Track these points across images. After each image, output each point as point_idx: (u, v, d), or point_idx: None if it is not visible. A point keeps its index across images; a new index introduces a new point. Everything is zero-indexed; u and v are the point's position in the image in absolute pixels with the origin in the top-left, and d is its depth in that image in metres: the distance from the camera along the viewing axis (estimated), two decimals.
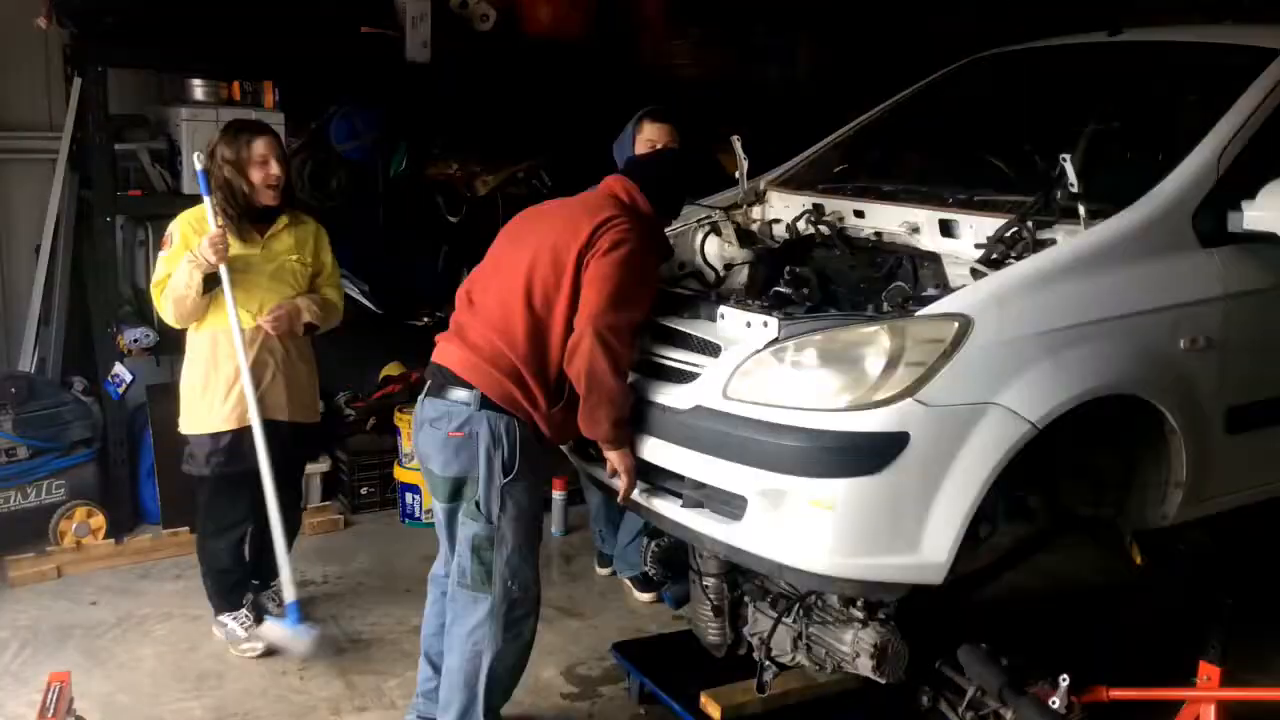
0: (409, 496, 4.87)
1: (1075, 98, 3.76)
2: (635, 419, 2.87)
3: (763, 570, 2.80)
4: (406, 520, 4.88)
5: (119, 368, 4.43)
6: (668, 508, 2.87)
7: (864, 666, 2.86)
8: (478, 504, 2.85)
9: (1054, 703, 2.68)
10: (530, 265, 2.86)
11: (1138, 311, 2.79)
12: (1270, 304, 3.03)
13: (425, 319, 5.16)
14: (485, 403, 2.82)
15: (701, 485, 2.76)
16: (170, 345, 4.53)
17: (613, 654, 3.53)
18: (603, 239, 2.80)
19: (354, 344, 5.19)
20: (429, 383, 2.95)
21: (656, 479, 2.93)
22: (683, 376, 2.82)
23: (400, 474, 4.91)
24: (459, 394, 2.85)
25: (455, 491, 2.91)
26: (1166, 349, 2.83)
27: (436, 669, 3.10)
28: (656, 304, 3.00)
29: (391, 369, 5.31)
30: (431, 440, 2.90)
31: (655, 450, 2.86)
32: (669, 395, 2.82)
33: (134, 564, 4.34)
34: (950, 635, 2.91)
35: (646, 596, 4.12)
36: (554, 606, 4.07)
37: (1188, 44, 3.64)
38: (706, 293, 3.00)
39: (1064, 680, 2.67)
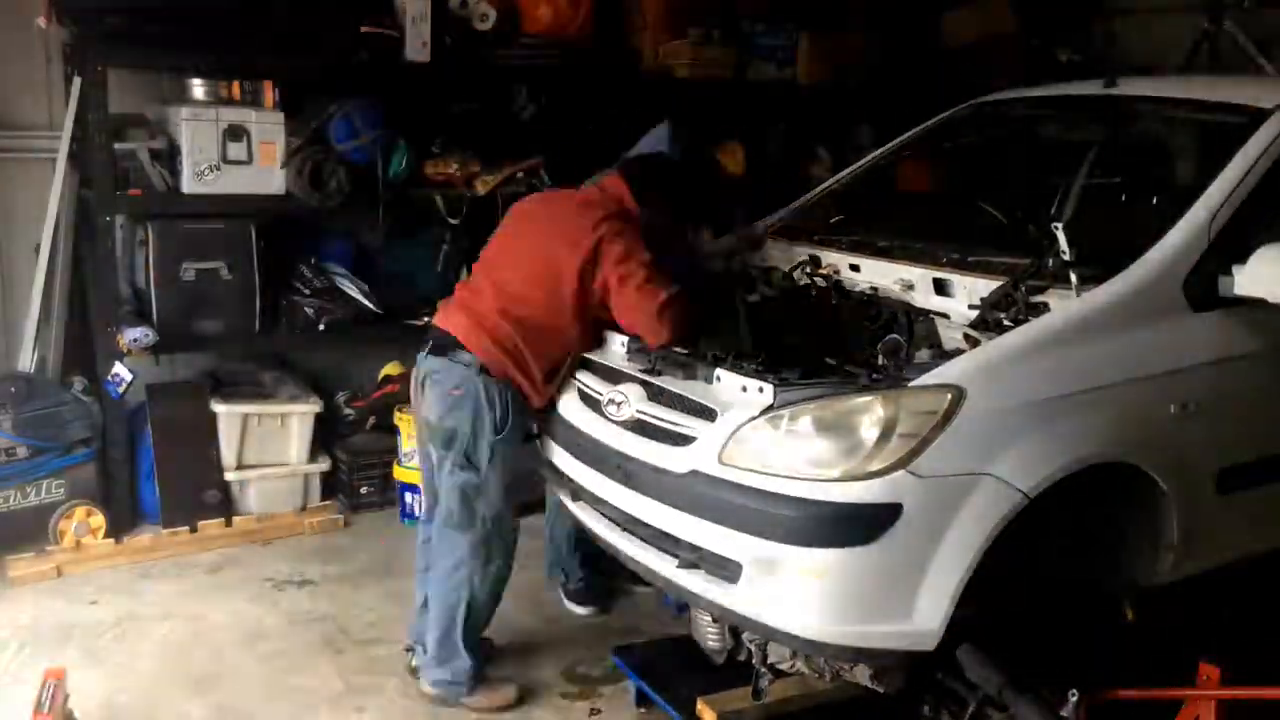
0: (409, 496, 4.87)
1: (1070, 150, 3.84)
2: (631, 478, 2.92)
3: (756, 633, 2.84)
4: (406, 520, 4.88)
5: (119, 367, 4.43)
6: (663, 566, 2.91)
7: (863, 675, 2.87)
8: (467, 455, 3.21)
9: (1065, 715, 2.68)
10: (533, 266, 3.28)
11: (1129, 379, 2.81)
12: (1260, 367, 3.04)
13: (425, 319, 5.15)
14: (483, 370, 3.20)
15: (696, 548, 2.79)
16: (171, 344, 4.54)
17: (612, 657, 3.53)
18: (606, 255, 3.18)
19: (354, 344, 5.21)
20: (430, 342, 3.33)
21: (651, 538, 2.96)
22: (678, 439, 2.84)
23: (400, 473, 4.91)
24: (462, 356, 3.22)
25: (448, 441, 3.23)
26: (1158, 415, 2.85)
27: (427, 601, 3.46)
28: (653, 364, 3.11)
29: (391, 369, 5.30)
30: (432, 393, 3.27)
31: (651, 511, 2.89)
32: (664, 457, 2.84)
33: (134, 563, 4.34)
34: (951, 643, 2.91)
35: (582, 610, 4.05)
36: (555, 607, 4.07)
37: (1181, 100, 3.67)
38: (703, 353, 3.05)
39: (1073, 695, 2.67)
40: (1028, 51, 6.22)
